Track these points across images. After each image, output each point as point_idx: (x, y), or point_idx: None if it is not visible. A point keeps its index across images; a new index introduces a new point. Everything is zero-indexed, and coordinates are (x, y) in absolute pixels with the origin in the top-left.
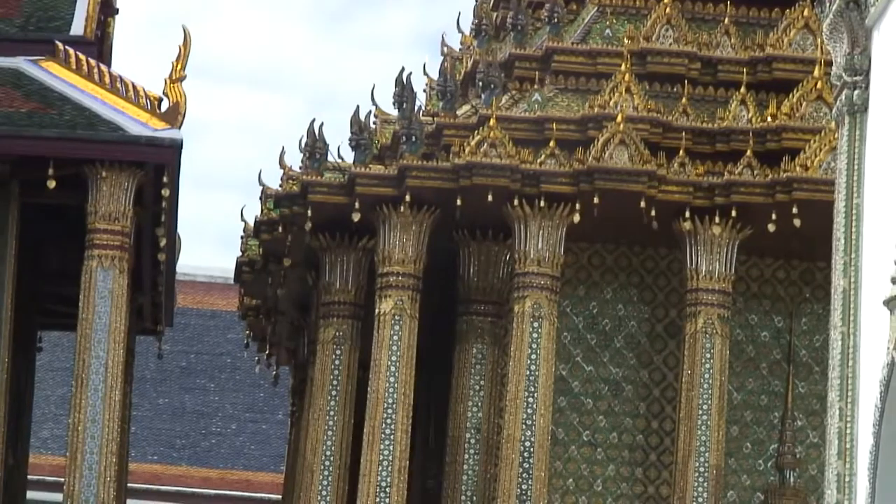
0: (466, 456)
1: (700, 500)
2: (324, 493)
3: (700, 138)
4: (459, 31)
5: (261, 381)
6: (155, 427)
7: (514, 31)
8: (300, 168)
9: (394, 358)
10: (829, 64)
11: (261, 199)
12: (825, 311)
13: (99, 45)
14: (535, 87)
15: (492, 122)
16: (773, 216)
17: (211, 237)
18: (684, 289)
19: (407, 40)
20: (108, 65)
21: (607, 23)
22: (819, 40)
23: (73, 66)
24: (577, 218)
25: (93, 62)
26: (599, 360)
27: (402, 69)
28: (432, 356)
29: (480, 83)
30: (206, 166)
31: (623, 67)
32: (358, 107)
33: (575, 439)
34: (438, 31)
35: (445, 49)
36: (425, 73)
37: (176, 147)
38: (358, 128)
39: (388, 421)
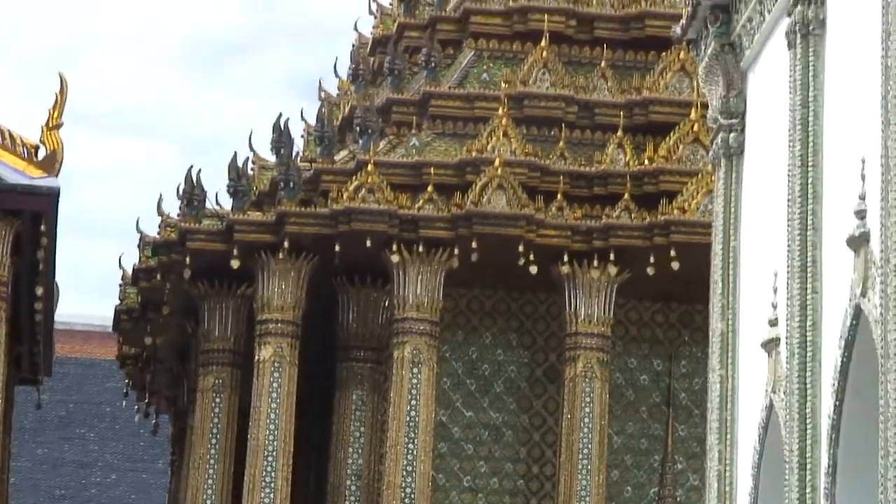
0: (347, 503)
1: None
2: None
3: (578, 182)
4: (336, 76)
5: (140, 430)
6: (34, 478)
7: (391, 76)
8: (178, 215)
9: (274, 405)
10: (705, 106)
11: (139, 246)
12: (704, 354)
13: None
14: (413, 131)
15: (369, 167)
16: (652, 259)
17: (89, 285)
18: (563, 333)
19: (283, 86)
20: None
21: (484, 67)
22: (695, 83)
23: None
24: (455, 263)
25: None
26: (479, 405)
27: (280, 115)
28: (313, 403)
29: (358, 128)
30: (83, 214)
31: (500, 111)
32: (235, 153)
33: (456, 485)
34: (315, 76)
35: (323, 94)
36: (303, 119)
37: (53, 195)
38: (236, 174)
39: (269, 469)
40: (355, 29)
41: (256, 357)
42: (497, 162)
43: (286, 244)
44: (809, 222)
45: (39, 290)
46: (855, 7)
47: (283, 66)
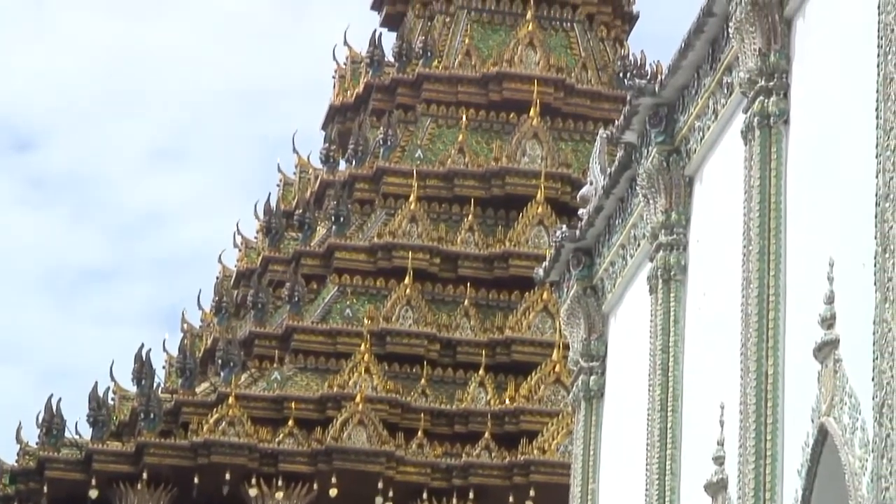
0: None
1: None
2: None
3: (439, 419)
4: (200, 307)
5: None
6: None
7: (255, 309)
8: (37, 443)
9: None
10: (567, 347)
11: None
12: None
13: None
14: (275, 365)
15: (231, 399)
16: (511, 499)
17: None
18: None
19: (145, 316)
20: None
21: (348, 302)
22: (558, 323)
23: None
24: (314, 498)
25: None
26: None
27: (142, 346)
28: None
29: (220, 360)
30: None
31: (363, 347)
32: (96, 382)
33: None
34: (177, 306)
35: (185, 325)
36: (165, 350)
37: None
38: (96, 403)
39: None
40: (219, 261)
41: None
42: (358, 398)
43: (145, 475)
44: (668, 467)
45: None
46: (715, 256)
47: (145, 296)
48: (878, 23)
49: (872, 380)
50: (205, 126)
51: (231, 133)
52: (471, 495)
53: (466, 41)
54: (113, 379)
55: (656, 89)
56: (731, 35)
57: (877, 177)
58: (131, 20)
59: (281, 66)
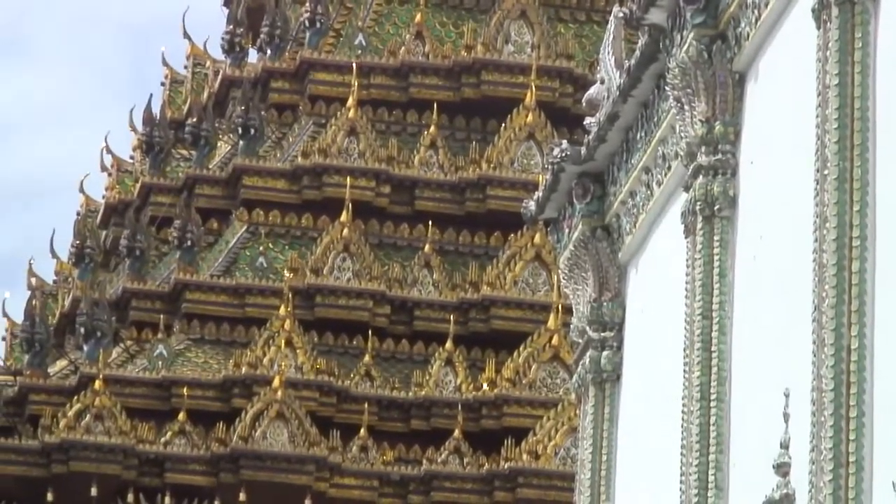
0: None
1: None
2: None
3: (389, 412)
4: (53, 255)
5: None
6: None
7: (131, 258)
8: None
9: None
10: (569, 311)
11: None
12: None
13: None
14: (160, 336)
15: (97, 384)
16: None
17: None
18: None
19: None
20: None
21: (261, 248)
22: (555, 278)
23: None
24: None
25: None
26: None
27: None
28: None
29: (83, 329)
30: None
31: (282, 311)
32: None
33: None
34: (20, 253)
35: (33, 280)
36: (4, 314)
37: None
38: None
39: None
40: (81, 191)
41: None
42: (277, 382)
43: None
44: (711, 478)
45: None
46: (777, 183)
47: None
48: None
49: None
50: (49, 6)
51: (87, 14)
52: None
53: None
54: None
55: None
56: None
57: None
58: None
59: None
